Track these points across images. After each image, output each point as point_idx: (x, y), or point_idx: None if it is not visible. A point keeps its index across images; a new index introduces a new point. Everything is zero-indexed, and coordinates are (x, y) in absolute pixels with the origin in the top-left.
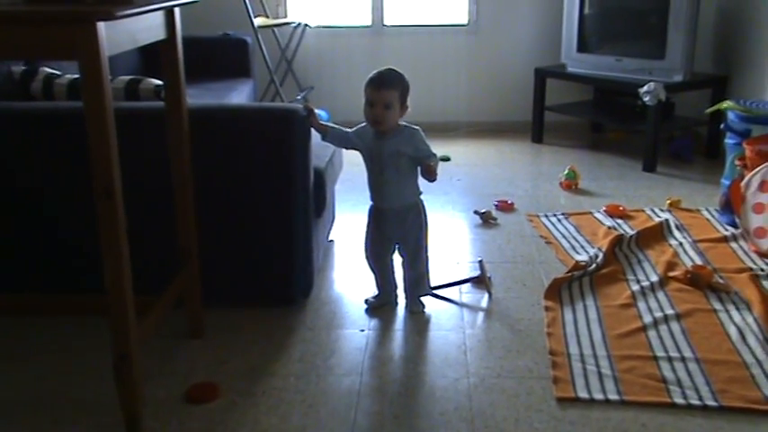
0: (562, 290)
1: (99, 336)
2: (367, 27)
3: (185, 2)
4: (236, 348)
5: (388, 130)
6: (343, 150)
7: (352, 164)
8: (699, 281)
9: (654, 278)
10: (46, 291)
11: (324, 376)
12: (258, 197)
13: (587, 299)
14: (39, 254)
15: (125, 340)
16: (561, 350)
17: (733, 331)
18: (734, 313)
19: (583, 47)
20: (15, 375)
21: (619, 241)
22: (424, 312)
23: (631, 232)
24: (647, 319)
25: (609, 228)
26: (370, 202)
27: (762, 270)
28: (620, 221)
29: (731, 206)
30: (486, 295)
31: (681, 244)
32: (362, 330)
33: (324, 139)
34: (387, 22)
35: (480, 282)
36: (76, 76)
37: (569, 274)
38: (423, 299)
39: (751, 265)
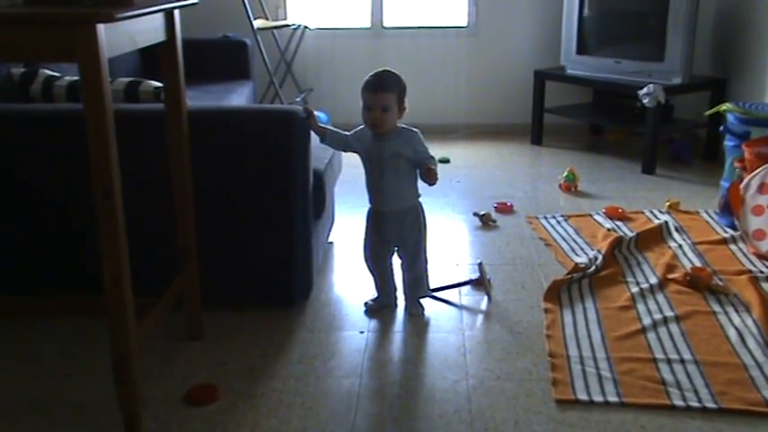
0: (561, 292)
1: (98, 337)
2: (366, 29)
3: (185, 4)
4: (236, 350)
5: (386, 132)
6: (342, 153)
7: (352, 166)
8: (698, 283)
9: (653, 280)
10: (45, 292)
11: (323, 378)
12: (258, 199)
13: (587, 301)
14: (38, 255)
15: (124, 341)
16: (560, 352)
17: (732, 333)
18: (733, 315)
19: (582, 49)
20: (15, 376)
21: (618, 243)
22: (423, 315)
23: (631, 234)
24: (647, 321)
25: (608, 230)
26: (369, 205)
27: (761, 272)
28: (619, 223)
29: (730, 208)
30: (486, 297)
31: (680, 246)
32: (362, 332)
33: (322, 141)
34: (386, 23)
35: (480, 284)
36: (76, 77)
37: (569, 276)
38: (422, 301)
39: (750, 267)
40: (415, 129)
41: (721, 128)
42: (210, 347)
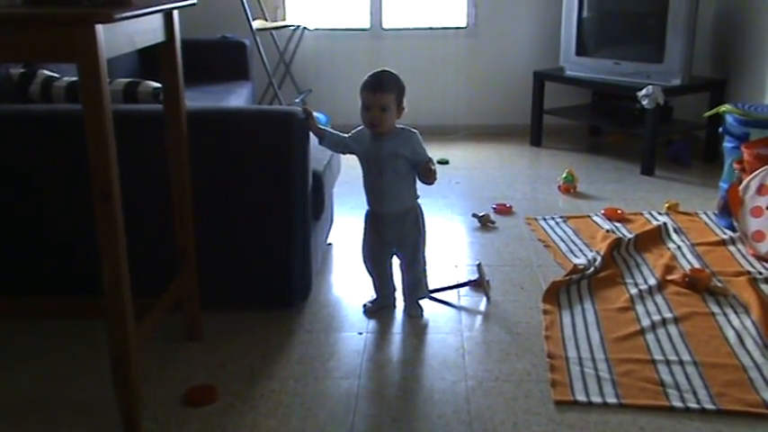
0: (560, 293)
1: (98, 338)
2: (365, 30)
3: (184, 4)
4: (235, 351)
5: (385, 132)
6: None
7: (351, 167)
8: (697, 284)
9: (652, 281)
10: (44, 294)
11: (322, 379)
12: (257, 200)
13: (585, 302)
14: (36, 256)
15: (123, 343)
16: (559, 353)
17: (731, 334)
18: (732, 317)
19: (581, 50)
20: (14, 378)
21: (617, 244)
22: (422, 316)
23: (629, 235)
24: (645, 322)
25: (607, 231)
26: (367, 207)
27: (760, 273)
28: (618, 225)
29: (729, 209)
30: (485, 298)
31: (679, 247)
32: (361, 333)
33: (321, 143)
34: (385, 24)
35: (478, 285)
36: (75, 78)
37: (567, 277)
38: (421, 302)
39: (749, 268)
40: (413, 129)
41: (720, 129)
42: (209, 348)
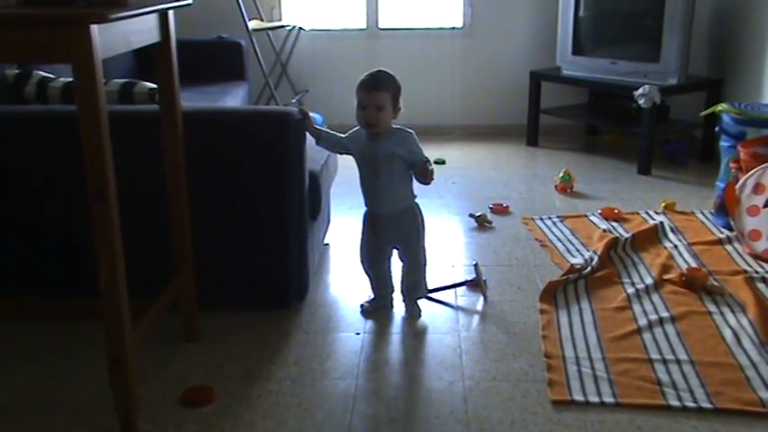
0: (557, 293)
1: (97, 338)
2: (362, 30)
3: (179, 4)
4: (232, 352)
5: (381, 132)
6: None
7: (348, 167)
8: (694, 283)
9: (649, 281)
10: (41, 294)
11: (319, 379)
12: (253, 200)
13: (582, 302)
14: (34, 257)
15: (120, 343)
16: (556, 353)
17: (728, 334)
18: (729, 316)
19: (578, 50)
20: (11, 378)
21: (614, 244)
22: (419, 316)
23: (626, 235)
24: (642, 321)
25: (604, 230)
26: (365, 208)
27: (756, 272)
28: (614, 224)
29: (726, 209)
30: (482, 298)
31: (676, 247)
32: (358, 333)
33: (318, 143)
34: (381, 24)
35: (476, 285)
36: (70, 79)
37: (564, 276)
38: (419, 302)
39: (746, 267)
40: (410, 129)
41: (717, 128)
42: (206, 349)
